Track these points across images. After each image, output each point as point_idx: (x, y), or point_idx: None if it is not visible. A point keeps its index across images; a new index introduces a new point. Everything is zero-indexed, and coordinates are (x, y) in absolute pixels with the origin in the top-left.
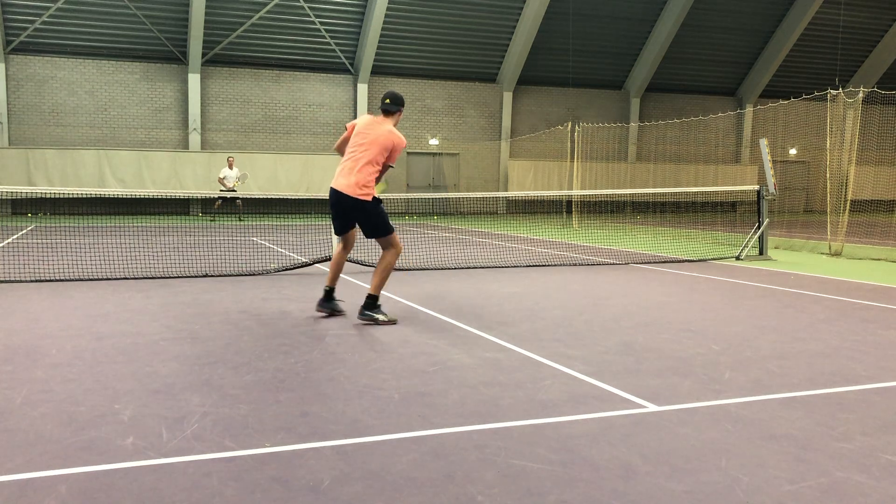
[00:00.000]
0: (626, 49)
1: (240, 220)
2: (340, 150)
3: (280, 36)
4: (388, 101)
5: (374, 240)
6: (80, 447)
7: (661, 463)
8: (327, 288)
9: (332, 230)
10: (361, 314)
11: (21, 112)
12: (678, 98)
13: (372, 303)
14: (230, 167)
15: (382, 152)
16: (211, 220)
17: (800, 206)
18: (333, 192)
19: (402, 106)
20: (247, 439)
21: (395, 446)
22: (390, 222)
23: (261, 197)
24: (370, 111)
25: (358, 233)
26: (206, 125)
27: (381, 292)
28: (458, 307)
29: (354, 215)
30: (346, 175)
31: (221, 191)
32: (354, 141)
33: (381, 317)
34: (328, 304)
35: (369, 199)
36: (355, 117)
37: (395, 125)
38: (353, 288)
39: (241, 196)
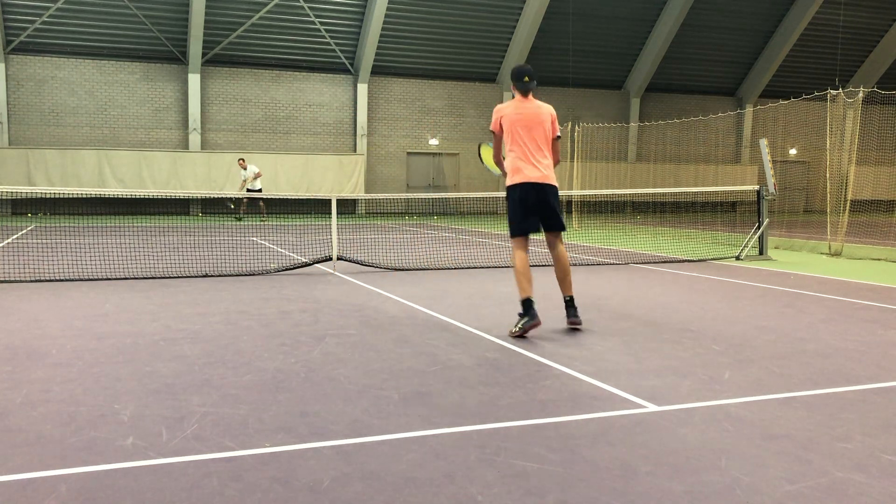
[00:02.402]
0: (626, 49)
1: (238, 219)
2: (499, 158)
3: (280, 36)
4: (526, 79)
5: (544, 234)
6: (80, 447)
7: (661, 463)
8: (527, 298)
9: (514, 230)
10: (573, 317)
11: (21, 112)
12: (678, 98)
13: (572, 302)
14: (244, 169)
15: (547, 131)
16: (238, 220)
17: (800, 206)
18: (530, 186)
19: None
20: (247, 439)
21: (395, 446)
22: None
23: (261, 197)
24: (370, 111)
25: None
26: (206, 125)
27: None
28: (458, 307)
29: (551, 205)
30: (536, 165)
31: (249, 189)
32: (516, 133)
33: (577, 318)
34: (531, 320)
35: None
36: (355, 117)
37: None
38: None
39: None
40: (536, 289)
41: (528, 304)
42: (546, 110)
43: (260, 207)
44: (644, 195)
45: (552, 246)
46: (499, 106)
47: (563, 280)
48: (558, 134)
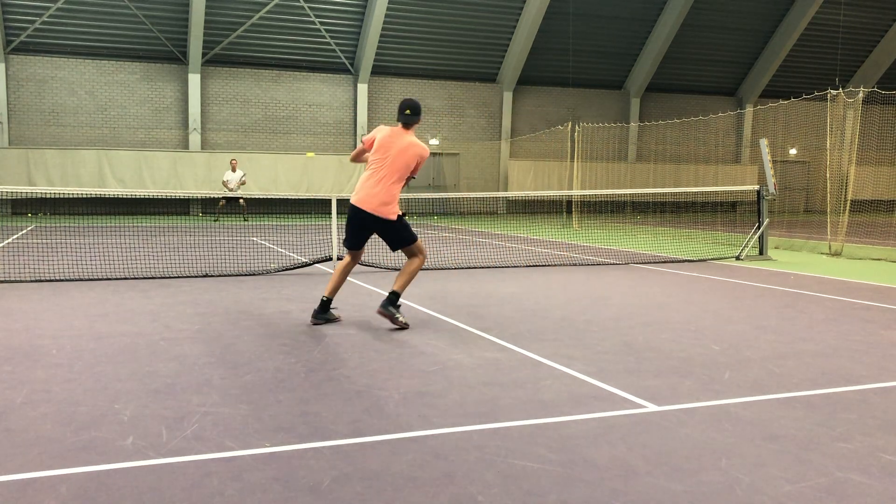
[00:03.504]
0: (626, 49)
1: (244, 220)
2: (356, 160)
3: (280, 36)
4: (408, 111)
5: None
6: (80, 447)
7: (661, 463)
8: (326, 298)
9: (343, 241)
10: (384, 307)
11: (21, 112)
12: (678, 98)
13: (395, 300)
14: (233, 170)
15: (407, 167)
16: (215, 221)
17: (800, 206)
18: (355, 209)
19: (420, 114)
20: (247, 439)
21: (395, 446)
22: (413, 230)
23: (261, 197)
24: (370, 111)
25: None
26: (206, 125)
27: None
28: (458, 307)
29: (378, 231)
30: (370, 193)
31: (229, 191)
32: (377, 156)
33: (399, 316)
34: (323, 315)
35: (395, 216)
36: (355, 117)
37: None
38: (355, 287)
39: (243, 196)
40: (537, 287)
41: (325, 305)
42: (416, 151)
43: (241, 207)
44: (644, 195)
45: (407, 255)
46: (381, 127)
47: (400, 276)
48: (415, 176)
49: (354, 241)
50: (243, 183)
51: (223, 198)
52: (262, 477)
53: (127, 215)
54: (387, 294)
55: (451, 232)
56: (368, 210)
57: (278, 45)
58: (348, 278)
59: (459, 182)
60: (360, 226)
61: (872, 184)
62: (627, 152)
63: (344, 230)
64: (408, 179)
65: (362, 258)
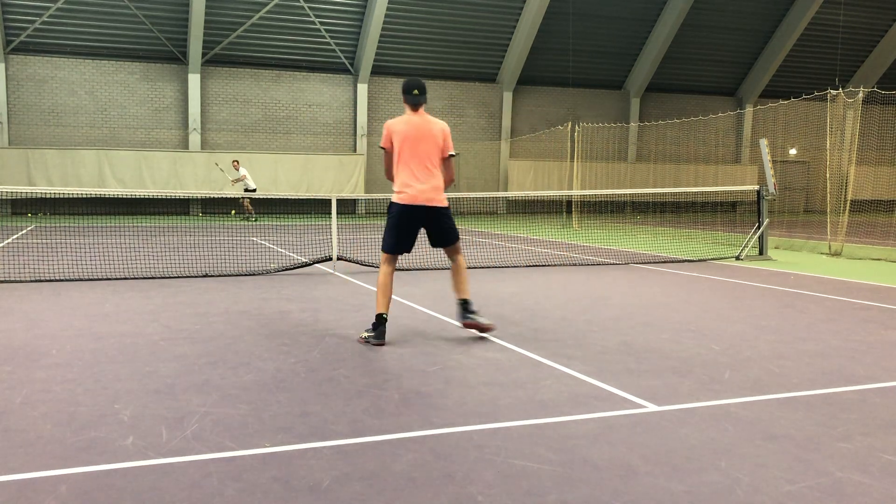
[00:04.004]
0: (626, 49)
1: (247, 219)
2: (391, 174)
3: (280, 36)
4: (415, 92)
5: (440, 248)
6: (80, 447)
7: (661, 463)
8: (385, 315)
9: (388, 247)
10: (466, 318)
11: (21, 112)
12: (678, 98)
13: (469, 306)
14: (236, 169)
15: (439, 148)
16: (256, 220)
17: (800, 206)
18: (413, 208)
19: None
20: (247, 439)
21: (395, 446)
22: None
23: (261, 197)
24: (370, 111)
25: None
26: (206, 125)
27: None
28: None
29: (433, 225)
30: (425, 185)
31: (246, 190)
32: (410, 148)
33: (483, 319)
34: (381, 331)
35: (446, 203)
36: (355, 117)
37: None
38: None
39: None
40: (537, 287)
41: (379, 320)
42: (438, 126)
43: (243, 205)
44: (644, 195)
45: (450, 257)
46: (388, 121)
47: (456, 282)
48: (451, 152)
49: (407, 244)
50: (239, 180)
51: (244, 198)
52: (262, 477)
53: (127, 215)
54: (458, 306)
55: None
56: (433, 204)
57: (278, 45)
58: (352, 280)
59: (459, 182)
60: (417, 224)
61: (872, 184)
62: (627, 152)
63: (388, 234)
64: (447, 161)
65: (361, 258)
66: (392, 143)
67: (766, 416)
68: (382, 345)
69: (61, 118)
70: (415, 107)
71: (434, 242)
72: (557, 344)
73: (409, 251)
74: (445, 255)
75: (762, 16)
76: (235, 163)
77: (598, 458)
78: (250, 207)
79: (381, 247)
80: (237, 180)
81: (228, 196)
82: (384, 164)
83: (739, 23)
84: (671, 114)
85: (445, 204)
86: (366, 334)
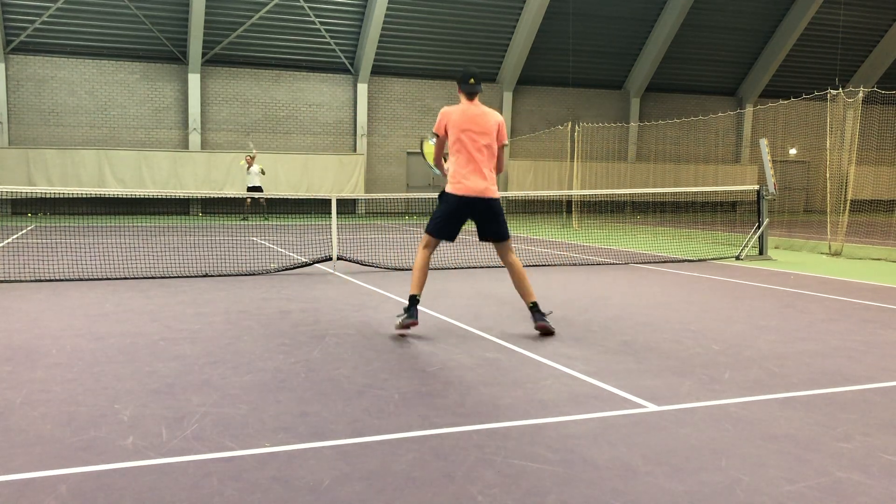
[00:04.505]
0: (626, 49)
1: (265, 219)
2: (440, 161)
3: (280, 36)
4: (472, 80)
5: (491, 242)
6: (80, 447)
7: (661, 463)
8: (417, 297)
9: (434, 230)
10: (540, 321)
11: (21, 112)
12: (678, 98)
13: (538, 309)
14: (249, 166)
15: (495, 138)
16: (243, 220)
17: (800, 206)
18: (468, 199)
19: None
20: (247, 439)
21: (395, 446)
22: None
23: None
24: (370, 111)
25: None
26: (206, 125)
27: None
28: (458, 307)
29: (484, 217)
30: (479, 176)
31: (249, 188)
32: (466, 138)
33: (548, 322)
34: (414, 310)
35: (498, 195)
36: (355, 117)
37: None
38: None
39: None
40: (537, 287)
41: (412, 301)
42: (493, 117)
43: (262, 206)
44: (644, 195)
45: (502, 256)
46: (445, 109)
47: (521, 288)
48: (505, 142)
49: (450, 232)
50: (263, 173)
51: (248, 197)
52: (262, 477)
53: (127, 215)
54: (530, 310)
55: None
56: (486, 196)
57: (278, 45)
58: (352, 280)
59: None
60: (466, 215)
61: (872, 184)
62: (627, 152)
63: (436, 219)
64: (501, 151)
65: (361, 258)
66: (446, 132)
67: (766, 416)
68: (416, 324)
69: (61, 118)
70: (470, 96)
71: (483, 235)
72: (557, 344)
73: (451, 240)
74: (497, 257)
75: (762, 16)
76: (249, 158)
77: (598, 457)
78: (250, 206)
79: (425, 229)
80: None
81: (230, 196)
82: (436, 149)
83: (739, 23)
84: (671, 114)
85: (497, 195)
86: (399, 320)
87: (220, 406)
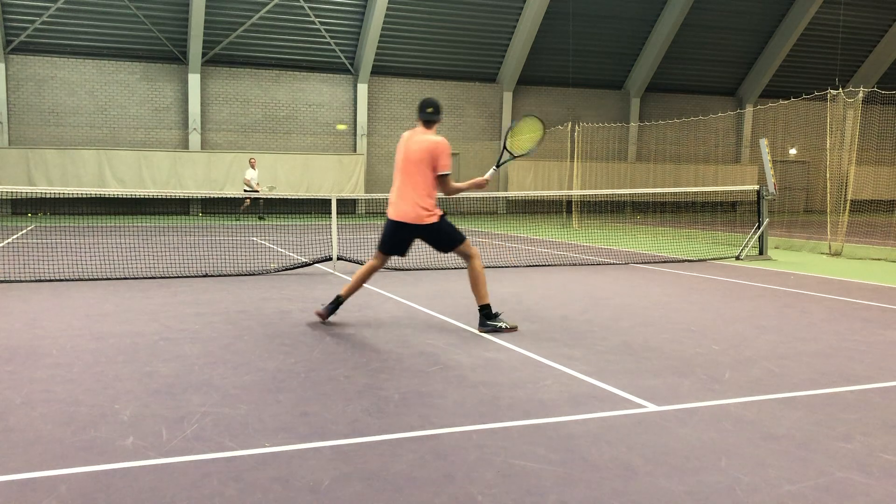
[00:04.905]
0: (626, 49)
1: (260, 218)
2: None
3: (280, 36)
4: (430, 109)
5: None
6: (80, 447)
7: (661, 463)
8: (343, 297)
9: (379, 244)
10: (484, 325)
11: (21, 112)
12: (678, 98)
13: (490, 312)
14: (253, 167)
15: (424, 164)
16: (237, 220)
17: (800, 206)
18: (393, 223)
19: (441, 112)
20: (247, 439)
21: (395, 446)
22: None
23: (261, 197)
24: (370, 111)
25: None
26: (206, 125)
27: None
28: (458, 307)
29: (425, 239)
30: (402, 201)
31: (246, 191)
32: (400, 163)
33: (502, 324)
34: (333, 308)
35: (436, 219)
36: (355, 117)
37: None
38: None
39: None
40: (537, 287)
41: (337, 302)
42: (432, 144)
43: (259, 206)
44: (644, 195)
45: (464, 260)
46: (405, 133)
47: (474, 289)
48: (445, 171)
49: (395, 250)
50: (269, 189)
51: (247, 198)
52: (262, 477)
53: (127, 215)
54: (478, 313)
55: None
56: (406, 220)
57: (278, 45)
58: (347, 278)
59: (459, 182)
60: (398, 237)
61: (872, 184)
62: (627, 152)
63: (382, 235)
64: (442, 178)
65: (361, 258)
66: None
67: (766, 416)
68: (323, 319)
69: (61, 118)
70: (424, 123)
71: (439, 251)
72: (557, 344)
73: (400, 255)
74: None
75: (762, 16)
76: (252, 160)
77: (598, 458)
78: (248, 205)
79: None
80: (255, 186)
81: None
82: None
83: (739, 23)
84: (671, 114)
85: (428, 222)
86: (321, 307)
87: (220, 406)
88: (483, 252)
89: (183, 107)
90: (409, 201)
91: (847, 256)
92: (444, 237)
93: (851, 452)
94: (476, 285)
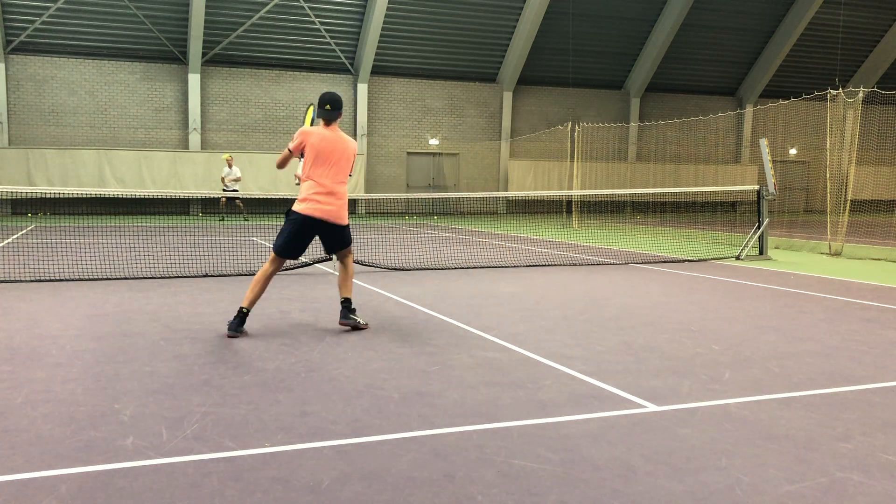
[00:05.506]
0: (626, 49)
1: (245, 219)
2: (283, 165)
3: (280, 36)
4: (328, 107)
5: (334, 254)
6: (80, 447)
7: (661, 463)
8: (246, 309)
9: (280, 249)
10: (347, 318)
11: (21, 112)
12: (678, 98)
13: (350, 305)
14: (229, 166)
15: (349, 165)
16: (220, 221)
17: (800, 206)
18: (314, 221)
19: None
20: (247, 439)
21: (395, 446)
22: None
23: (261, 197)
24: (370, 111)
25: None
26: (206, 125)
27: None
28: (458, 307)
29: (329, 237)
30: (329, 200)
31: (224, 190)
32: (322, 159)
33: (361, 320)
34: (241, 328)
35: (347, 221)
36: (355, 117)
37: None
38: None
39: (240, 196)
40: (537, 287)
41: (241, 316)
42: (351, 145)
43: (238, 206)
44: (644, 195)
45: (341, 259)
46: (304, 128)
47: (343, 285)
48: (350, 173)
49: (297, 251)
50: (238, 179)
51: (224, 197)
52: (262, 477)
53: (127, 215)
54: (341, 305)
55: (451, 232)
56: (334, 220)
57: (278, 45)
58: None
59: (459, 182)
60: (311, 234)
61: (872, 184)
62: (627, 152)
63: (282, 237)
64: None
65: (361, 258)
66: (302, 152)
67: (766, 416)
68: (235, 337)
69: (61, 118)
70: (327, 122)
71: (328, 250)
72: (557, 344)
73: (296, 258)
74: (337, 258)
75: (762, 16)
76: (230, 158)
77: (598, 458)
78: (224, 203)
79: (272, 245)
80: (237, 179)
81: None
82: (281, 159)
83: (739, 23)
84: (671, 114)
85: (346, 222)
86: (231, 329)
87: (220, 406)
88: (483, 252)
89: (183, 107)
90: (337, 202)
91: (847, 256)
92: (346, 237)
93: (851, 452)
94: (349, 279)
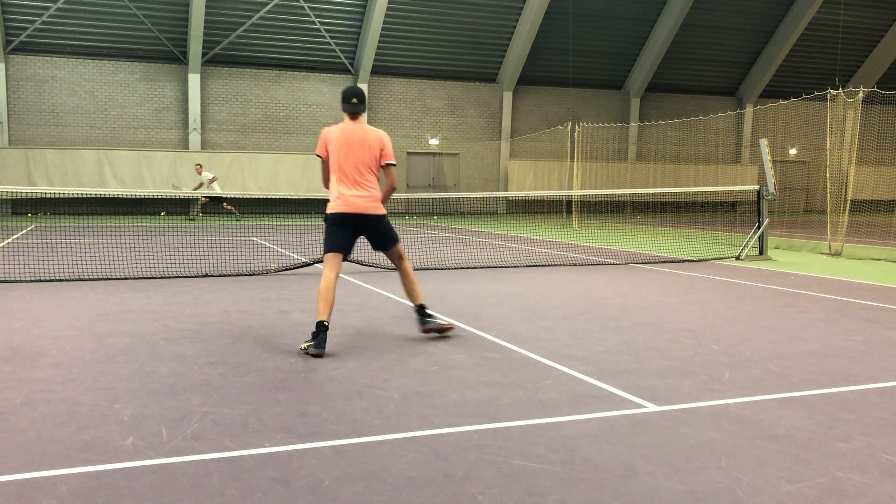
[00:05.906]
0: (626, 49)
1: (237, 220)
2: (328, 182)
3: (280, 36)
4: (354, 100)
5: (382, 252)
6: (80, 447)
7: (661, 463)
8: (326, 322)
9: (330, 245)
10: (424, 325)
11: (21, 112)
12: (678, 98)
13: (425, 311)
14: (199, 173)
15: (375, 154)
16: (191, 220)
17: (800, 206)
18: (347, 216)
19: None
20: (247, 439)
21: (395, 446)
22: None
23: (261, 197)
24: (370, 111)
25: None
26: (206, 125)
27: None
28: (458, 307)
29: (371, 232)
30: (355, 191)
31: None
32: (343, 152)
33: (443, 321)
34: (325, 341)
35: (384, 211)
36: None
37: None
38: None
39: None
40: (537, 287)
41: (320, 328)
42: (374, 135)
43: (225, 207)
44: (644, 195)
45: (393, 261)
46: (325, 129)
47: (410, 291)
48: (391, 161)
49: (347, 246)
50: (214, 179)
51: (204, 198)
52: (262, 477)
53: (127, 215)
54: (415, 312)
55: (450, 232)
56: (366, 212)
57: (278, 45)
58: (352, 280)
59: (459, 182)
60: (354, 230)
61: (872, 184)
62: (627, 152)
63: (329, 237)
64: (388, 168)
65: (361, 258)
66: (328, 152)
67: (766, 416)
68: (321, 356)
69: (61, 118)
70: (352, 116)
71: (376, 247)
72: (557, 344)
73: (347, 255)
74: (388, 259)
75: (762, 16)
76: (198, 167)
77: (598, 458)
78: (228, 206)
79: (322, 250)
80: (199, 186)
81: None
82: (322, 173)
83: (739, 23)
84: (671, 114)
85: (381, 212)
86: (304, 345)
87: (220, 406)
88: (483, 252)
89: (183, 107)
90: (365, 193)
91: (847, 256)
92: (387, 231)
93: (851, 452)
94: (413, 283)
